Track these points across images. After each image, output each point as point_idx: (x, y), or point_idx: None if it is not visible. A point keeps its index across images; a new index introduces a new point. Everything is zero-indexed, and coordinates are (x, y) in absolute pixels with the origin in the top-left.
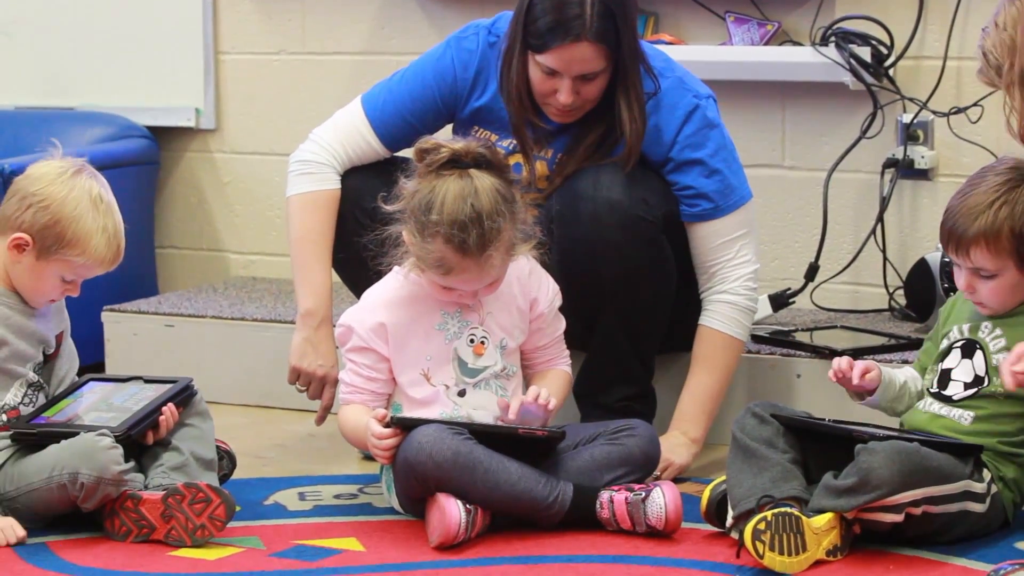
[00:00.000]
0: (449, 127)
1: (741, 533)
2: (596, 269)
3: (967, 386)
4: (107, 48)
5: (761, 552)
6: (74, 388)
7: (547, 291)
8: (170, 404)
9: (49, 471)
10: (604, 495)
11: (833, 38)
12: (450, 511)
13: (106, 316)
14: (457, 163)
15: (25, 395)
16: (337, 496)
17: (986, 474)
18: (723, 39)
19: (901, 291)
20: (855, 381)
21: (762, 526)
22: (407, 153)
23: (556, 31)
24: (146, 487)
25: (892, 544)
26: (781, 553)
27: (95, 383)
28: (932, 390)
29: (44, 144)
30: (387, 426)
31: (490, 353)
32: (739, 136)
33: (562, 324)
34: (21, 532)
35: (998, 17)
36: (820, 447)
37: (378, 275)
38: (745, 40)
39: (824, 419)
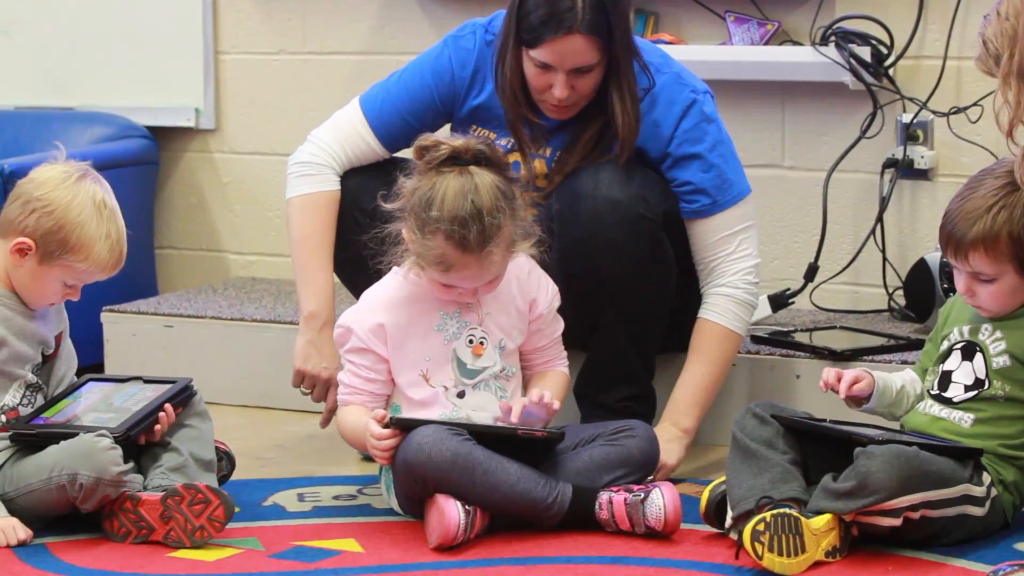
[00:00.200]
0: (447, 127)
1: (740, 534)
2: (597, 268)
3: (967, 388)
4: (107, 48)
5: (760, 553)
6: (73, 388)
7: (546, 292)
8: (167, 405)
9: (48, 472)
10: (603, 496)
11: (833, 38)
12: (449, 512)
13: (105, 316)
14: (457, 160)
15: (24, 396)
16: (336, 497)
17: (986, 477)
18: (723, 39)
19: (900, 291)
20: (842, 395)
21: (761, 527)
22: (406, 154)
23: (548, 24)
24: (145, 488)
25: (891, 546)
26: (780, 554)
27: (94, 383)
28: (932, 392)
29: (44, 144)
30: (386, 427)
31: (489, 354)
32: (739, 136)
33: (560, 325)
34: (23, 534)
35: (1000, 6)
36: (820, 448)
37: (377, 275)
38: (745, 40)
39: (824, 420)
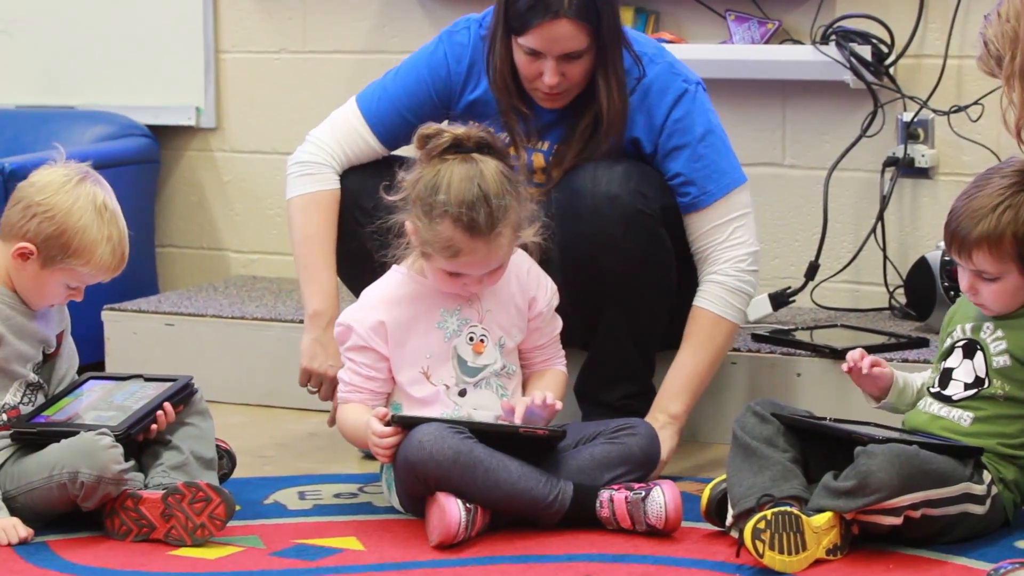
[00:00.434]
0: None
1: (741, 532)
2: (597, 264)
3: (967, 386)
4: (107, 47)
5: (761, 551)
6: (74, 387)
7: (545, 290)
8: (166, 404)
9: (49, 470)
10: (604, 494)
11: (833, 36)
12: (450, 510)
13: (106, 315)
14: (459, 148)
15: (25, 395)
16: (337, 495)
17: (986, 476)
18: (724, 37)
19: (901, 290)
20: (865, 370)
21: (762, 525)
22: (405, 152)
23: (535, 9)
24: (146, 486)
25: (892, 544)
26: (781, 552)
27: (95, 382)
28: (932, 389)
29: (45, 143)
30: (388, 424)
31: (489, 351)
32: (739, 134)
33: (559, 324)
34: (24, 532)
35: (1001, 7)
36: (821, 446)
37: (380, 270)
38: (746, 38)
39: (825, 418)
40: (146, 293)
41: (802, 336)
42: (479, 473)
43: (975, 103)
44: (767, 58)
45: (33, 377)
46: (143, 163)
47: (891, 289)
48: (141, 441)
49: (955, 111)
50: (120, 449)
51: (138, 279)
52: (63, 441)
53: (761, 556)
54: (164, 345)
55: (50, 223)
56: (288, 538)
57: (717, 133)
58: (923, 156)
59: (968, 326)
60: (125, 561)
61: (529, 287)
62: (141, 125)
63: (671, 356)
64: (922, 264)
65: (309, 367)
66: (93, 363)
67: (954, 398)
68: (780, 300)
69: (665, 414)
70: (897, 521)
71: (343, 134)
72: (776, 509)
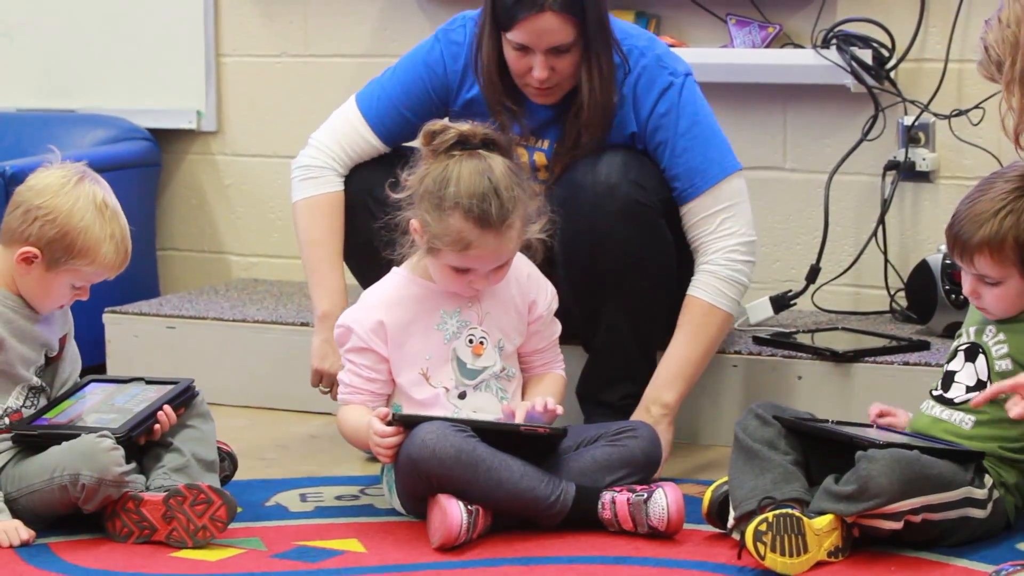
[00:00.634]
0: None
1: (742, 534)
2: (597, 255)
3: (969, 390)
4: (108, 50)
5: (762, 553)
6: (76, 389)
7: (545, 294)
8: (166, 406)
9: (50, 472)
10: (606, 495)
11: (834, 40)
12: (452, 512)
13: (107, 318)
14: (465, 144)
15: (27, 398)
16: (338, 497)
17: (987, 480)
18: (724, 41)
19: (902, 293)
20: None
21: (763, 527)
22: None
23: (522, 3)
24: (147, 488)
25: (893, 546)
26: (782, 554)
27: (96, 384)
28: (935, 392)
29: (46, 147)
30: (389, 424)
31: (489, 353)
32: (740, 138)
33: (558, 328)
34: (26, 534)
35: (1002, 13)
36: (822, 449)
37: (389, 265)
38: (746, 42)
39: (827, 420)
40: (147, 296)
41: (803, 339)
42: (481, 472)
43: (976, 107)
44: (768, 62)
45: (36, 381)
46: (144, 166)
47: (892, 292)
48: (143, 444)
49: (956, 115)
50: (121, 451)
51: (139, 282)
52: (64, 443)
53: (762, 558)
54: (165, 348)
55: (52, 225)
56: (289, 540)
57: (703, 124)
58: (924, 160)
59: (972, 329)
60: (126, 563)
61: (529, 291)
62: (142, 128)
63: None
64: (923, 267)
65: (320, 368)
66: (94, 366)
67: (956, 401)
68: (781, 303)
69: (659, 405)
70: (897, 526)
71: (344, 135)
72: (778, 511)
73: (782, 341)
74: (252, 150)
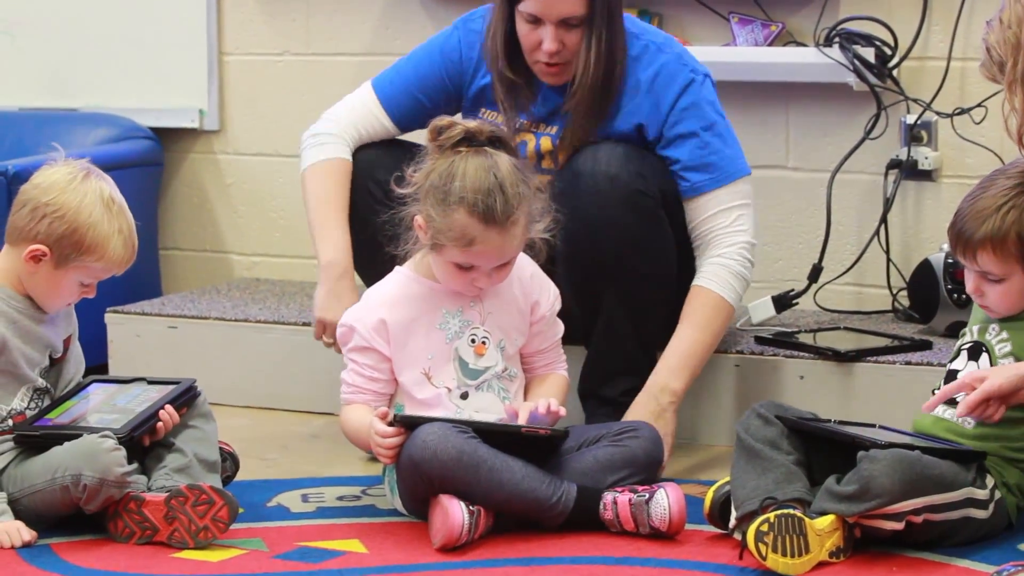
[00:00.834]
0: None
1: (744, 534)
2: (597, 244)
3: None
4: (111, 49)
5: (764, 554)
6: (78, 389)
7: (548, 294)
8: (168, 406)
9: (52, 473)
10: (608, 496)
11: (837, 39)
12: (453, 513)
13: (109, 317)
14: (471, 141)
15: (32, 400)
16: (340, 498)
17: (989, 480)
18: (727, 40)
19: (904, 292)
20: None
21: (765, 527)
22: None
23: None
24: (149, 489)
25: (895, 546)
26: (784, 555)
27: (99, 384)
28: (937, 391)
29: (48, 145)
30: (390, 425)
31: (491, 353)
32: (743, 137)
33: (561, 328)
34: (27, 535)
35: (1003, 13)
36: (824, 449)
37: (392, 261)
38: (749, 41)
39: (830, 420)
40: (149, 296)
41: (805, 338)
42: (483, 472)
43: (978, 105)
44: (770, 60)
45: (40, 382)
46: (146, 165)
47: (894, 292)
48: (147, 444)
49: (958, 113)
50: (123, 452)
51: (141, 281)
52: (66, 444)
53: (764, 559)
54: (167, 348)
55: (61, 222)
56: (291, 541)
57: (723, 123)
58: (926, 158)
59: (975, 328)
60: (128, 564)
61: (532, 291)
62: (144, 127)
63: None
64: (925, 266)
65: (323, 318)
66: (96, 366)
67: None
68: (783, 302)
69: (667, 392)
70: (899, 526)
71: (357, 115)
72: (779, 512)
73: (784, 340)
74: (254, 149)
